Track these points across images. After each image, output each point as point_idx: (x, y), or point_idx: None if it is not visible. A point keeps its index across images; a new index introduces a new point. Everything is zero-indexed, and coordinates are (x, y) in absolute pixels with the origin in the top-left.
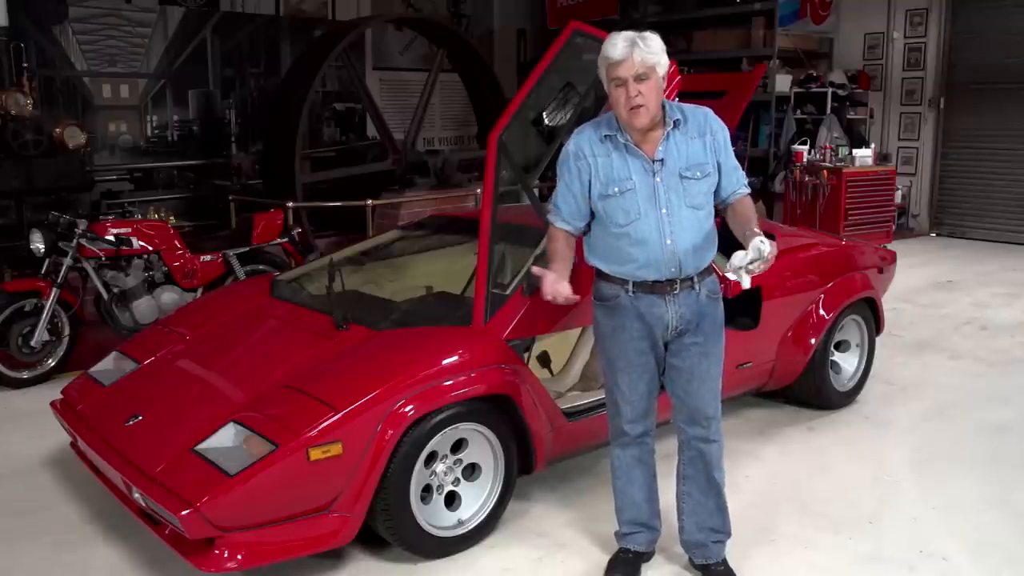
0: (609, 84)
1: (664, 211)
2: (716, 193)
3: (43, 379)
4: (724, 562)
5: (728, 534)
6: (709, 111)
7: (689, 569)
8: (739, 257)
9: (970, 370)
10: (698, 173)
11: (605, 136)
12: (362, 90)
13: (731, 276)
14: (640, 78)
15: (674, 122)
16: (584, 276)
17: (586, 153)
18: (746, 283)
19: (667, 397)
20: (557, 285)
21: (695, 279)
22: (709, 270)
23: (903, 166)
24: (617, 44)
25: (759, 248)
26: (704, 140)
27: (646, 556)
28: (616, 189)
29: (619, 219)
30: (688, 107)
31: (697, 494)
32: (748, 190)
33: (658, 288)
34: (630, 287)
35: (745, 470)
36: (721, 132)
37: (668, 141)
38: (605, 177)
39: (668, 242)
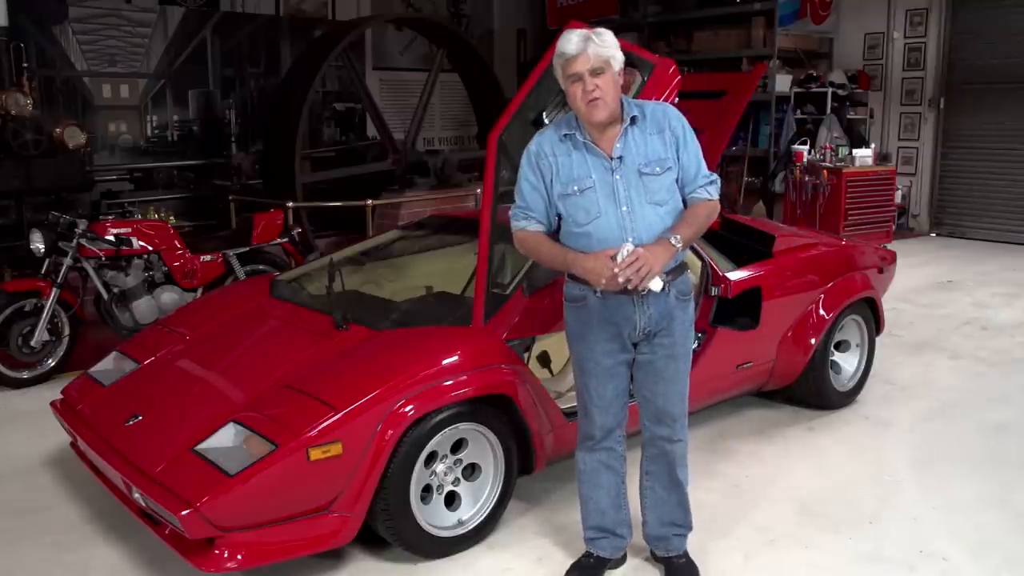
0: (566, 82)
1: (625, 209)
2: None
3: (43, 379)
4: (685, 554)
5: (689, 528)
6: (669, 106)
7: (651, 562)
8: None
9: (970, 370)
10: (657, 169)
11: (564, 135)
12: (362, 90)
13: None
14: (595, 72)
15: (631, 118)
16: None
17: (547, 152)
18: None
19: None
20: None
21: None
22: (680, 270)
23: (903, 166)
24: (571, 39)
25: (622, 253)
26: (664, 136)
27: (611, 562)
28: (576, 188)
29: (580, 218)
30: (648, 103)
31: (660, 490)
32: (708, 196)
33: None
34: (598, 289)
35: (745, 470)
36: (681, 128)
37: (626, 138)
38: (565, 176)
39: (630, 239)
